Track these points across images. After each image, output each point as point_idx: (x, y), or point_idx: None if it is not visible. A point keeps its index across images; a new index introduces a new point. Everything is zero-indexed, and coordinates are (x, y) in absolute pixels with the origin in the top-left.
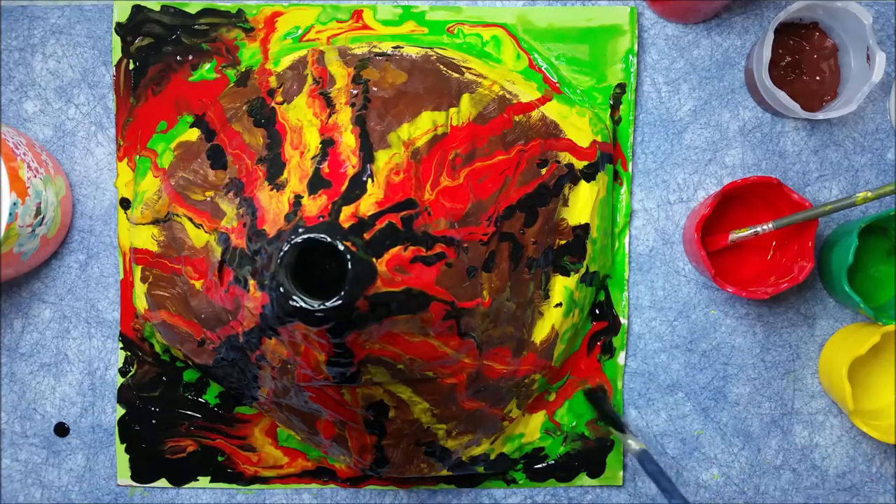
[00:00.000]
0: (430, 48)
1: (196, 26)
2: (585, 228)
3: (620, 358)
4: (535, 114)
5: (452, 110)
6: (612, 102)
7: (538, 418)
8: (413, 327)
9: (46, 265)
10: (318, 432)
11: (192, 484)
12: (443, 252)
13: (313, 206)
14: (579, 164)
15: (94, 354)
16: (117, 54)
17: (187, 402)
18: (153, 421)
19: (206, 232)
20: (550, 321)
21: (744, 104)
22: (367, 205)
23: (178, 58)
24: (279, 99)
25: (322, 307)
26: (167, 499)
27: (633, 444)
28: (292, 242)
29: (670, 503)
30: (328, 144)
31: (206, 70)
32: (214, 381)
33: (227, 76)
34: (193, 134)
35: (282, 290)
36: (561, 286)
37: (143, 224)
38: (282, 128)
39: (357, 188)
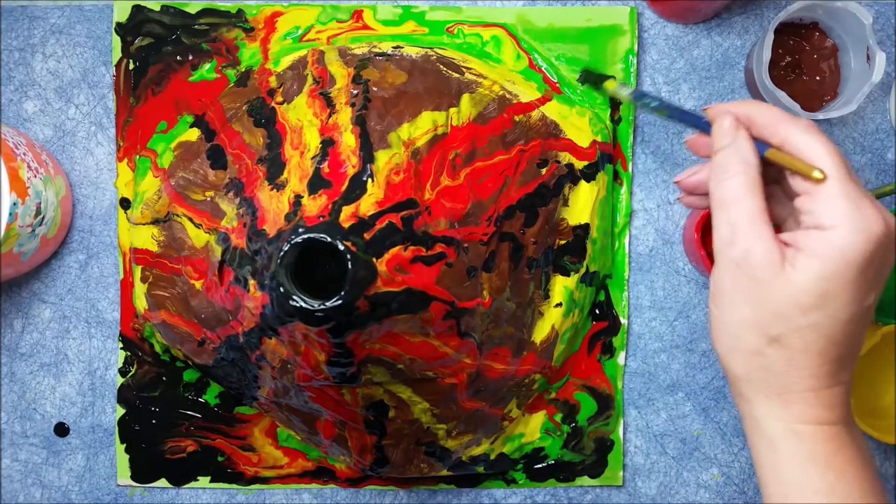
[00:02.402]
0: (430, 48)
1: (196, 26)
2: (585, 228)
3: (620, 358)
4: (535, 114)
5: (452, 110)
6: (612, 102)
7: (538, 418)
8: (413, 327)
9: (46, 265)
10: (318, 432)
11: (192, 484)
12: (443, 252)
13: (313, 205)
14: (579, 164)
15: (94, 354)
16: (117, 54)
17: (187, 402)
18: (153, 421)
19: (205, 232)
20: (550, 321)
21: None
22: (367, 205)
23: (178, 58)
24: (279, 99)
25: (322, 307)
26: (167, 499)
27: (623, 91)
28: (292, 242)
29: (691, 122)
30: (328, 144)
31: (206, 70)
32: (214, 381)
33: (227, 76)
34: (193, 134)
35: (282, 290)
36: (561, 286)
37: (143, 224)
38: (282, 128)
39: (357, 188)
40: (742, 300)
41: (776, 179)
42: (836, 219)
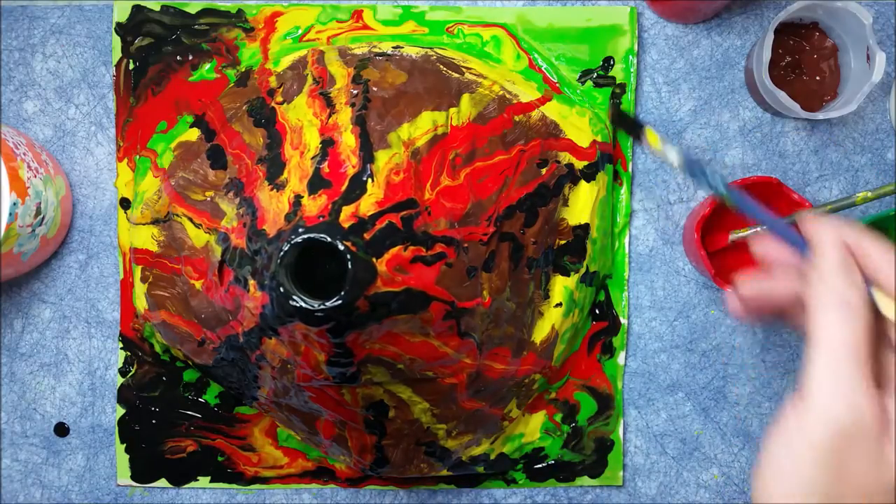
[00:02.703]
0: (430, 48)
1: (196, 26)
2: (585, 228)
3: (620, 358)
4: (535, 114)
5: (452, 110)
6: (612, 102)
7: (538, 418)
8: (413, 327)
9: (46, 265)
10: (318, 432)
11: (192, 484)
12: (443, 252)
13: (313, 205)
14: (579, 164)
15: (94, 354)
16: (117, 54)
17: (187, 402)
18: (153, 421)
19: (206, 232)
20: (550, 321)
21: (744, 104)
22: (367, 205)
23: (178, 58)
24: (279, 99)
25: (322, 307)
26: (167, 499)
27: (672, 153)
28: (292, 242)
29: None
30: (328, 144)
31: (206, 70)
32: (214, 381)
33: (227, 76)
34: (193, 134)
35: (282, 290)
36: (561, 286)
37: (143, 224)
38: (282, 128)
39: (357, 188)
40: (820, 463)
41: None
42: None
